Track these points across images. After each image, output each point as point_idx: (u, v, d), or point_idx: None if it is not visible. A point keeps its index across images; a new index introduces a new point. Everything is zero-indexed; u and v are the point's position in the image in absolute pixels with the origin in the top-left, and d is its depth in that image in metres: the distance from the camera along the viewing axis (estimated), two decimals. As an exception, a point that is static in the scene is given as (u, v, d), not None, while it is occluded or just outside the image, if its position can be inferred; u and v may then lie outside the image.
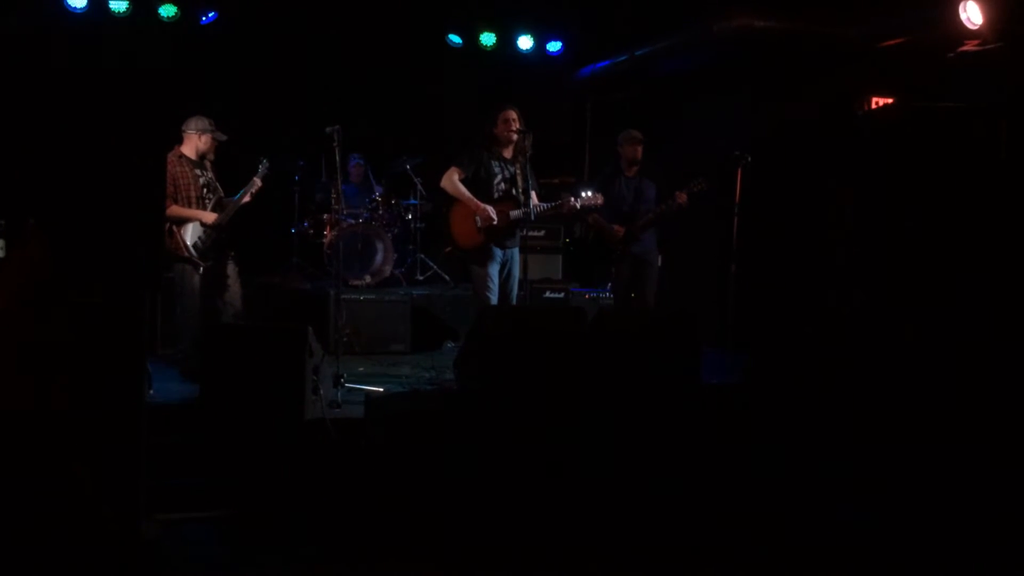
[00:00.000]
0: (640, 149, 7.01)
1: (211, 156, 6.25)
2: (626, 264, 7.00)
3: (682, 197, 6.74)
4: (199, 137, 6.15)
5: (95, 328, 3.92)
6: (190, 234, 6.04)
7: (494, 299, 6.07)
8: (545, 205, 6.18)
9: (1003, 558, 4.25)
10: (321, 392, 5.17)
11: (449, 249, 6.29)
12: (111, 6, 7.75)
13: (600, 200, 6.21)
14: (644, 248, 7.02)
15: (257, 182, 6.22)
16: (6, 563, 3.65)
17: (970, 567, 4.19)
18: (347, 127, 5.90)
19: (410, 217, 8.91)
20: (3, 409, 3.78)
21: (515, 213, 6.03)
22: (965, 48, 6.41)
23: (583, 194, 6.16)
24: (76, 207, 4.02)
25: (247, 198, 6.19)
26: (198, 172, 6.17)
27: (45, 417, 3.81)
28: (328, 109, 6.74)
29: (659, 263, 7.12)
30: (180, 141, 6.16)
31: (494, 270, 6.09)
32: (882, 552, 4.33)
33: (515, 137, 6.05)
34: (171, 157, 6.03)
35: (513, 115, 6.08)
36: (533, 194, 6.13)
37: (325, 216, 8.50)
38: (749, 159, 6.75)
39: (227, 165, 6.50)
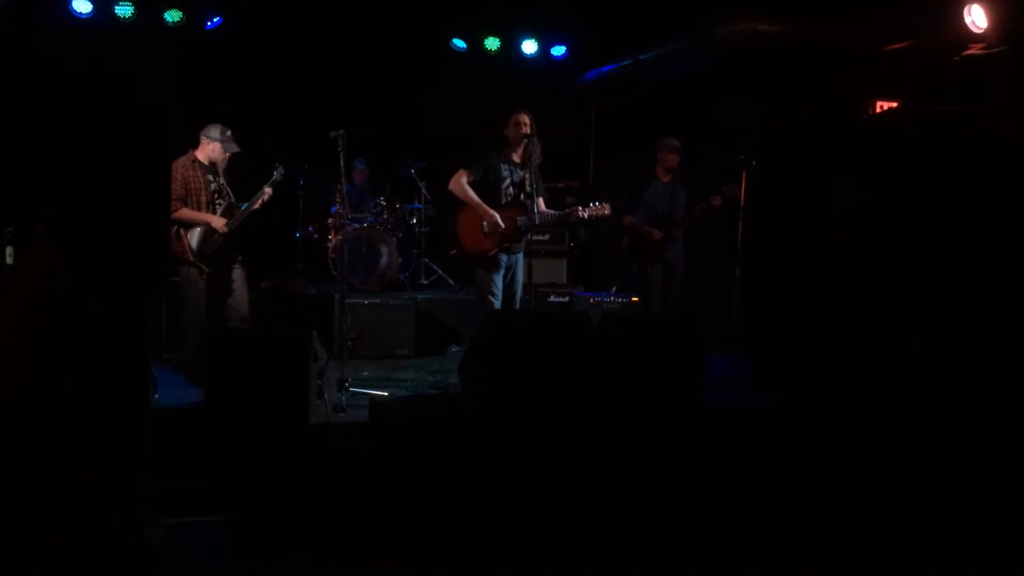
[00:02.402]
0: (678, 158, 7.18)
1: (223, 165, 6.27)
2: (659, 267, 7.15)
3: (717, 200, 6.92)
4: (209, 145, 6.17)
5: (99, 332, 3.93)
6: (196, 239, 6.06)
7: (498, 303, 6.09)
8: (552, 212, 6.20)
9: (1003, 559, 4.24)
10: (325, 396, 5.17)
11: (454, 252, 6.30)
12: (116, 11, 7.78)
13: (607, 210, 6.23)
14: (676, 254, 7.19)
15: (267, 191, 6.23)
16: (9, 565, 3.65)
17: (970, 568, 4.19)
18: (352, 131, 5.91)
19: (415, 221, 8.93)
20: (9, 412, 3.79)
21: (522, 220, 6.04)
22: (970, 52, 6.41)
23: (591, 204, 6.19)
24: (82, 212, 4.03)
25: (256, 205, 6.20)
26: (210, 178, 6.19)
27: (50, 420, 3.82)
28: (333, 113, 6.74)
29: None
30: (197, 145, 6.19)
31: (498, 275, 6.10)
32: (882, 554, 4.32)
33: (524, 140, 6.07)
34: (185, 161, 6.07)
35: (525, 119, 6.11)
36: (540, 200, 6.15)
37: (330, 220, 8.51)
38: (754, 163, 6.76)
39: (233, 169, 6.50)
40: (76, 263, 3.95)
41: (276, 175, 6.29)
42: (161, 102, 4.40)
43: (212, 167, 6.22)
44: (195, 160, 6.15)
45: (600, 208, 6.18)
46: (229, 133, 6.20)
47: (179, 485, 4.54)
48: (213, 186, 6.19)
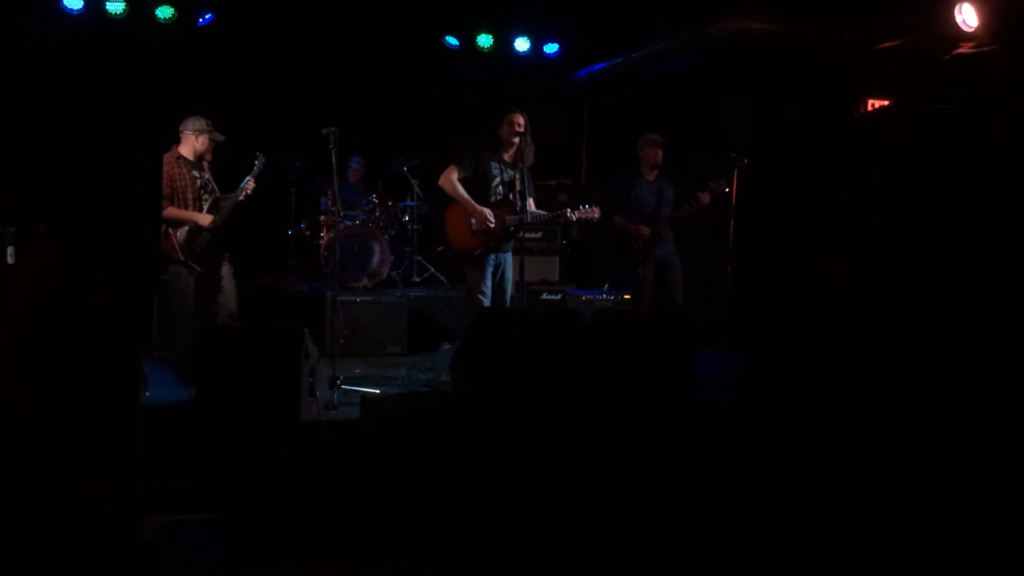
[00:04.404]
0: (661, 152, 7.06)
1: (208, 157, 6.25)
2: (649, 266, 7.05)
3: (706, 198, 6.83)
4: (196, 138, 6.14)
5: (92, 330, 3.93)
6: (184, 236, 6.04)
7: (487, 301, 6.09)
8: (542, 214, 6.20)
9: (1003, 559, 4.26)
10: (317, 394, 5.17)
11: (441, 248, 6.31)
12: (108, 8, 7.74)
13: (597, 214, 6.22)
14: (667, 250, 7.09)
15: (251, 182, 6.22)
16: (3, 564, 3.65)
17: (970, 568, 4.20)
18: (344, 129, 5.90)
19: (407, 219, 8.92)
20: (5, 410, 3.79)
21: (511, 219, 6.04)
22: (961, 50, 6.41)
23: (580, 207, 6.19)
24: (80, 212, 4.03)
25: (240, 197, 6.18)
26: (195, 173, 6.16)
27: (44, 418, 3.81)
28: (325, 111, 6.74)
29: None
30: (178, 141, 6.16)
31: (487, 273, 6.11)
32: (880, 553, 4.33)
33: (517, 140, 6.06)
34: (168, 158, 6.03)
35: (520, 120, 6.10)
36: (530, 200, 6.14)
37: (322, 218, 8.50)
38: (746, 161, 6.76)
39: (224, 166, 6.49)
40: (78, 263, 3.95)
41: (257, 165, 6.27)
42: (153, 99, 4.40)
43: (197, 162, 6.19)
44: (179, 156, 6.11)
45: (589, 211, 6.18)
46: (210, 123, 6.18)
47: (171, 483, 4.54)
48: (199, 182, 6.16)
